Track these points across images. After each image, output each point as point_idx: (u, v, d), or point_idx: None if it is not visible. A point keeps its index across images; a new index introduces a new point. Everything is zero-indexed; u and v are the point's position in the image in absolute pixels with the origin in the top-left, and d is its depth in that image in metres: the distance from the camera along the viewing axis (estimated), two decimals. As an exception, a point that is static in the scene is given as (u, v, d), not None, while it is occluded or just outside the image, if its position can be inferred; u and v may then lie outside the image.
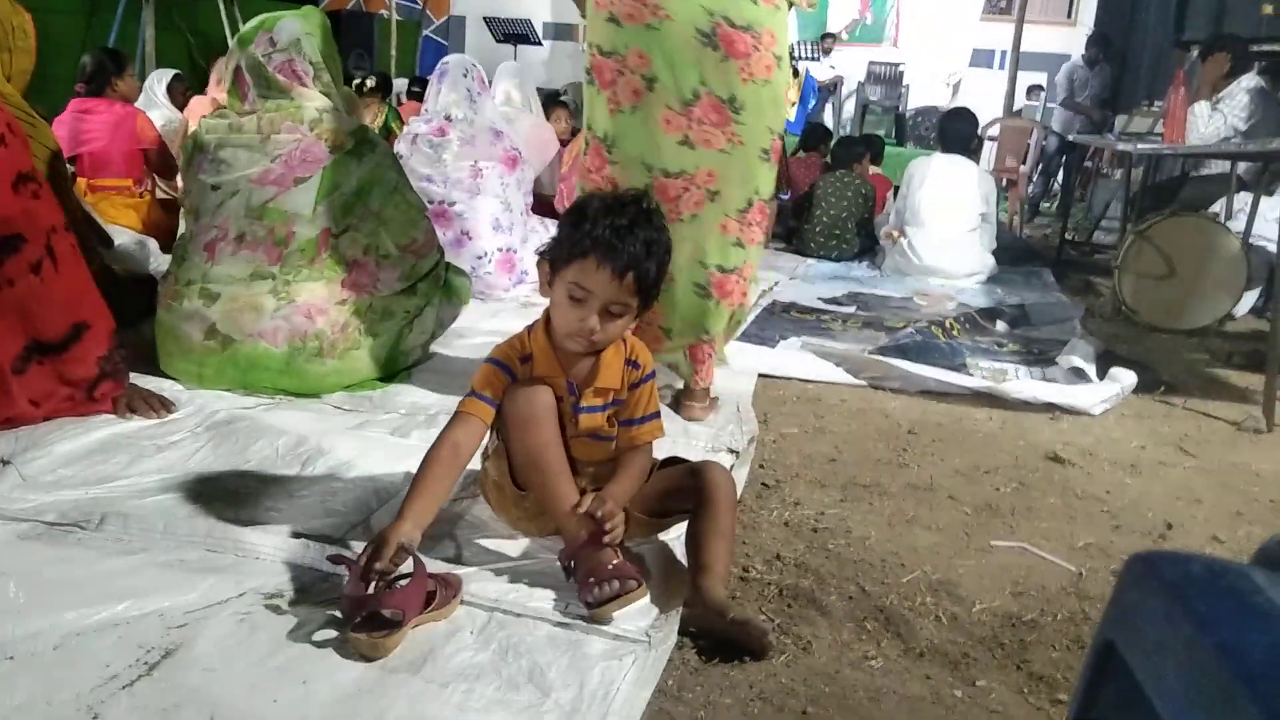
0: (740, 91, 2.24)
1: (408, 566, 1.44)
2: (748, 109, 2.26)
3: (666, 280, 2.30)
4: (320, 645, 1.36)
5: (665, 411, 2.48)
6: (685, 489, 1.65)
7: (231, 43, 2.65)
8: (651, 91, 2.26)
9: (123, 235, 3.71)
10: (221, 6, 6.64)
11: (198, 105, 5.03)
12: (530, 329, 1.66)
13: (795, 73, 7.08)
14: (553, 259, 1.59)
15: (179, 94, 5.57)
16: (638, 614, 1.48)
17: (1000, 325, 4.03)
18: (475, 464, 1.75)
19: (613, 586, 1.46)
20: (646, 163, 2.31)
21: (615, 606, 1.46)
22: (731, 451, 2.28)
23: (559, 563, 1.56)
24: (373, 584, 1.40)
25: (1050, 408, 2.86)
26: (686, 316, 2.46)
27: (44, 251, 2.06)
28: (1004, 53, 9.06)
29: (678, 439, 2.27)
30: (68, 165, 3.30)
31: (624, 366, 1.66)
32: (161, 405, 2.24)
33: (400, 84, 8.74)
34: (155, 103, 5.34)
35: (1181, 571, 0.53)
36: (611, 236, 1.52)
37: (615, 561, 1.50)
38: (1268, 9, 5.53)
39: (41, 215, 2.06)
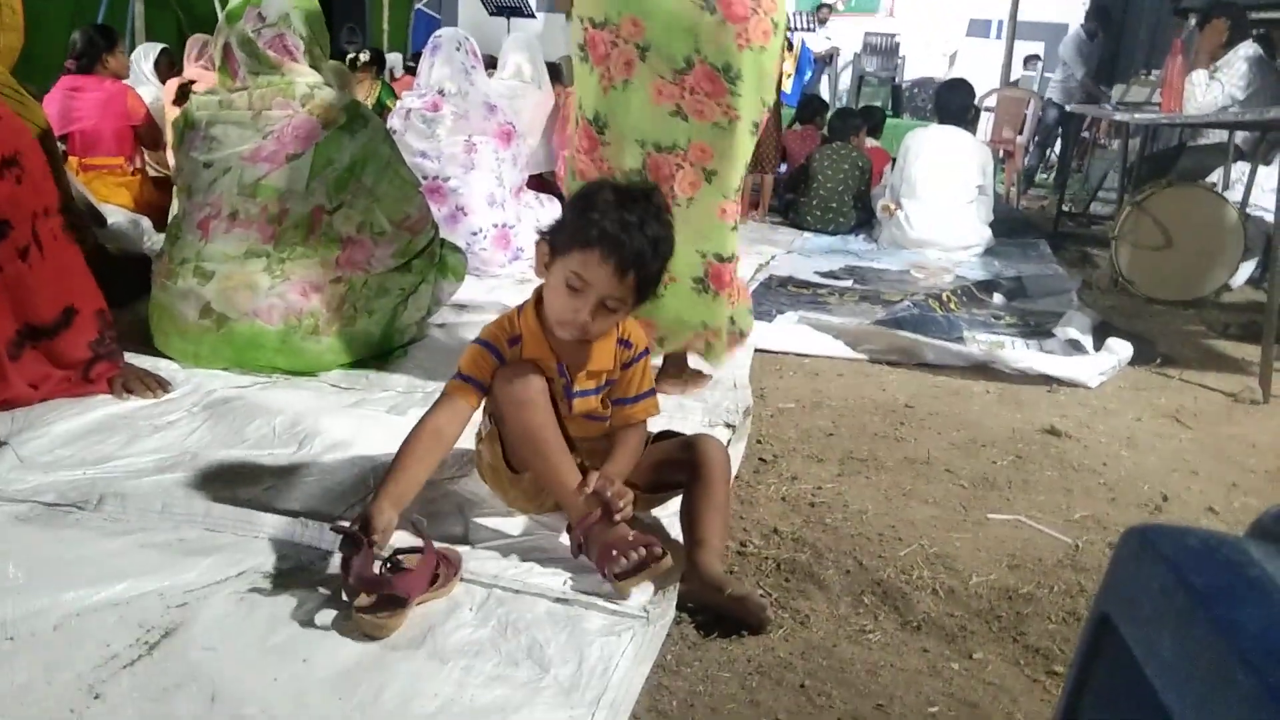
0: (736, 59, 2.18)
1: (400, 543, 1.44)
2: (744, 79, 2.20)
3: (666, 281, 2.29)
4: (320, 623, 1.36)
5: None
6: (679, 462, 1.65)
7: (220, 19, 2.62)
8: (644, 61, 2.20)
9: (116, 214, 3.69)
10: (211, -18, 6.59)
11: (171, 86, 4.96)
12: (520, 309, 1.64)
13: (790, 45, 7.02)
14: (554, 242, 1.54)
15: (164, 69, 5.51)
16: (636, 590, 1.48)
17: (997, 297, 4.03)
18: (470, 442, 1.75)
19: (639, 553, 1.46)
20: (639, 139, 2.25)
21: (643, 576, 1.46)
22: (728, 426, 2.28)
23: (567, 541, 1.56)
24: (378, 564, 1.40)
25: (1047, 380, 2.86)
26: (685, 318, 2.38)
27: (30, 237, 2.05)
28: (1001, 22, 9.00)
29: (674, 414, 2.27)
30: (59, 143, 3.27)
31: (616, 346, 1.65)
32: (158, 385, 2.23)
33: (394, 59, 8.66)
34: (142, 79, 5.28)
35: (1177, 545, 0.53)
36: (620, 231, 1.48)
37: (633, 534, 1.50)
38: (1266, -24, 5.49)
39: (26, 200, 2.04)
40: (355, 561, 1.39)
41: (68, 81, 4.10)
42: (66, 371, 2.15)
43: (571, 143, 2.39)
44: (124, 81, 4.34)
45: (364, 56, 6.82)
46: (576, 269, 1.50)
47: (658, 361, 2.49)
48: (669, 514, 1.72)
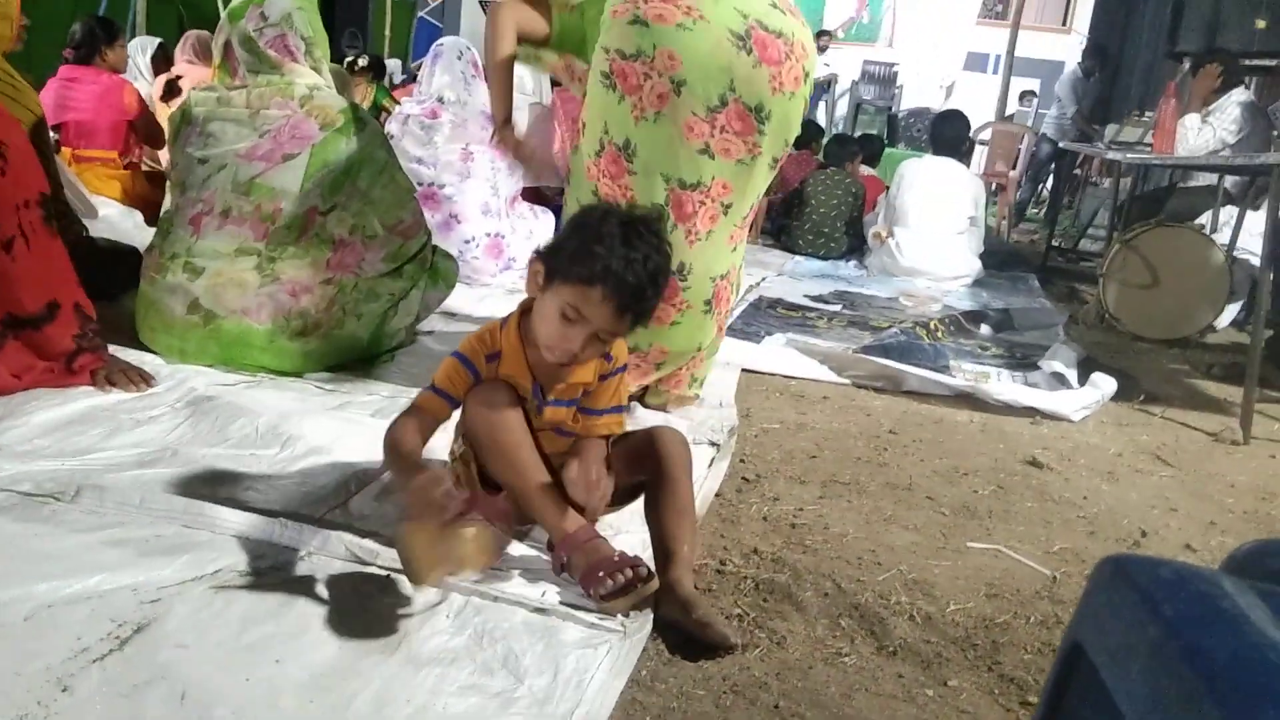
0: (769, 101, 2.18)
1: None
2: (773, 120, 2.21)
3: (680, 309, 2.30)
4: (294, 624, 1.36)
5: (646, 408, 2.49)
6: (639, 457, 1.61)
7: (222, 17, 2.62)
8: (678, 96, 2.17)
9: (108, 206, 3.68)
10: (214, -21, 6.59)
11: (159, 81, 4.95)
12: (503, 323, 1.61)
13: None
14: (552, 266, 1.50)
15: (161, 64, 5.50)
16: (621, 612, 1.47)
17: (984, 329, 4.06)
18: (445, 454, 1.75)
19: (625, 575, 1.44)
20: (664, 173, 2.23)
21: (630, 599, 1.44)
22: (712, 444, 2.29)
23: (549, 561, 1.55)
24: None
25: (1031, 412, 2.88)
26: (694, 341, 2.40)
27: (15, 229, 2.03)
28: (998, 57, 9.08)
29: (659, 430, 2.27)
30: (51, 133, 3.26)
31: (598, 360, 1.62)
32: (141, 379, 2.22)
33: (394, 65, 8.67)
34: (136, 73, 5.25)
35: (1151, 575, 0.54)
36: (624, 270, 1.44)
37: (619, 553, 1.48)
38: (1260, 23, 5.57)
39: (9, 191, 2.03)
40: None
41: (65, 71, 4.09)
42: (49, 363, 2.14)
43: (593, 167, 2.31)
44: (122, 75, 4.34)
45: (362, 61, 6.83)
46: (575, 302, 1.46)
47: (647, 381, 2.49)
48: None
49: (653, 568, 1.50)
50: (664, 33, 2.14)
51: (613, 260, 1.43)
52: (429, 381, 1.63)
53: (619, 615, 1.44)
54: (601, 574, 1.45)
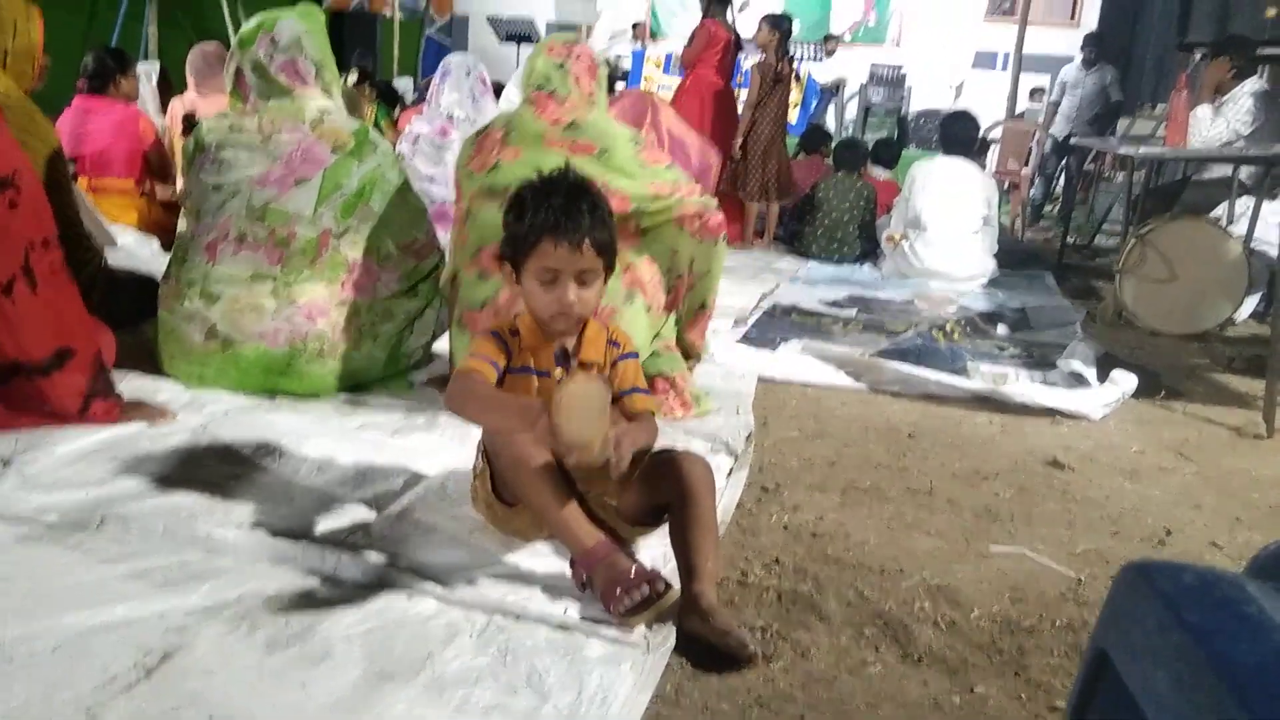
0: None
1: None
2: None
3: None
4: (318, 648, 1.36)
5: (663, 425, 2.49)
6: (661, 479, 1.62)
7: (233, 44, 2.65)
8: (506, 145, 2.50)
9: (125, 235, 3.72)
10: (224, 3, 6.62)
11: (177, 112, 4.95)
12: (515, 314, 1.74)
13: (797, 76, 7.07)
14: (511, 256, 1.66)
15: (163, 87, 5.50)
16: (642, 626, 1.47)
17: (1001, 329, 4.04)
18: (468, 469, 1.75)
19: (642, 591, 1.46)
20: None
21: (650, 613, 1.45)
22: (730, 453, 2.28)
23: (571, 577, 1.56)
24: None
25: (1051, 412, 2.86)
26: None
27: (19, 269, 1.95)
28: (1007, 54, 9.05)
29: (676, 440, 2.27)
30: (69, 164, 3.30)
31: (606, 345, 1.71)
32: (159, 415, 2.22)
33: (405, 84, 8.69)
34: (145, 100, 5.24)
35: (1174, 581, 0.53)
36: (558, 215, 1.59)
37: (636, 567, 1.49)
38: (1271, 12, 5.52)
39: (16, 228, 1.95)
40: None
41: (80, 102, 4.13)
42: (57, 412, 2.06)
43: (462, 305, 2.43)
44: (135, 105, 4.38)
45: (351, 78, 6.76)
46: (539, 264, 1.60)
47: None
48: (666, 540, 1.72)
49: (672, 580, 1.50)
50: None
51: (542, 214, 1.59)
52: (446, 391, 1.65)
53: (640, 629, 1.44)
54: (620, 590, 1.46)
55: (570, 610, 1.50)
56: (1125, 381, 3.05)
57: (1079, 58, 8.14)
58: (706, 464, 1.66)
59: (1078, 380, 3.15)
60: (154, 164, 4.27)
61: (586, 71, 2.55)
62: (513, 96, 4.91)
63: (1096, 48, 8.02)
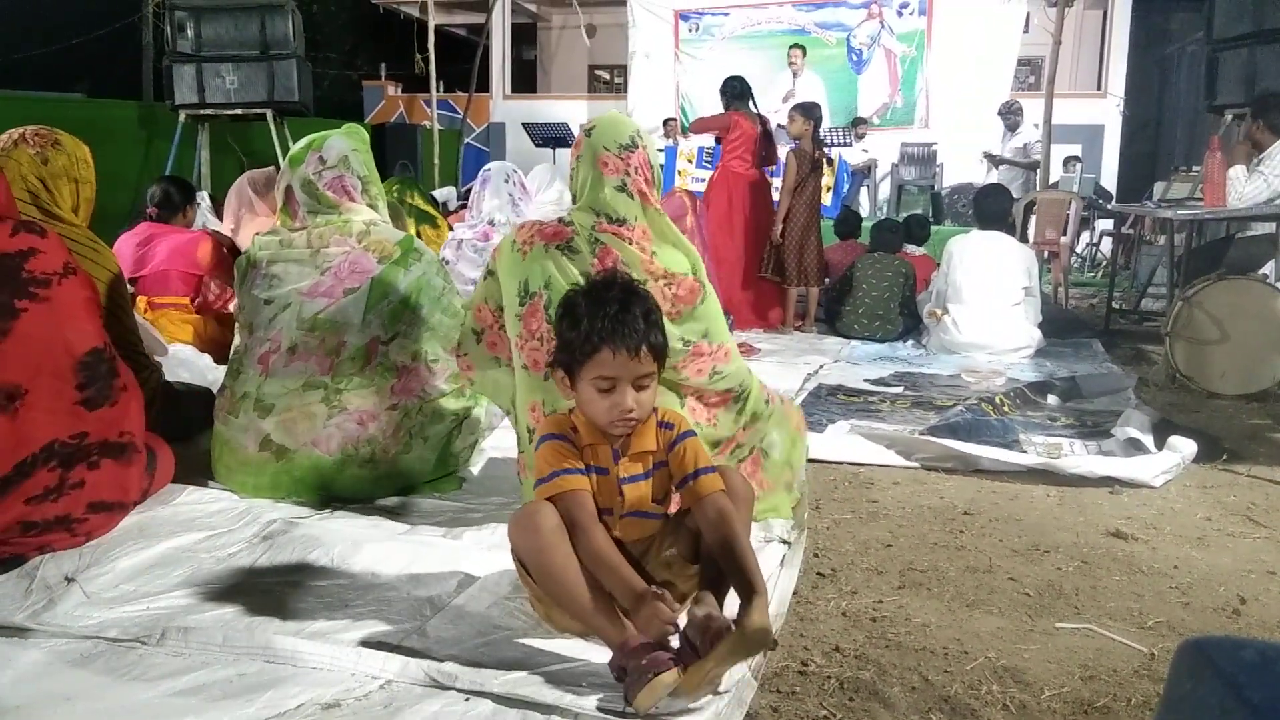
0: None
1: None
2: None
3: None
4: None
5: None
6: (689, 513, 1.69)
7: (283, 164, 2.77)
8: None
9: (182, 350, 3.83)
10: (272, 127, 6.93)
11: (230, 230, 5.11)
12: (570, 411, 1.75)
13: (829, 160, 7.16)
14: (566, 365, 1.67)
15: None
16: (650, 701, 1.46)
17: (1052, 399, 3.97)
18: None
19: (648, 677, 1.45)
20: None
21: (648, 696, 1.44)
22: (783, 541, 2.26)
23: (610, 670, 1.55)
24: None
25: (1109, 481, 2.80)
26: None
27: (31, 381, 1.98)
28: (1036, 125, 9.08)
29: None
30: (129, 284, 3.43)
31: (657, 428, 1.72)
32: None
33: (448, 193, 8.93)
34: (205, 218, 5.45)
35: (1233, 659, 0.52)
36: (613, 324, 1.60)
37: (649, 657, 1.48)
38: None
39: (40, 332, 2.00)
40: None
41: (148, 228, 4.33)
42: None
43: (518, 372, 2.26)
44: (198, 230, 4.57)
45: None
46: (597, 373, 1.62)
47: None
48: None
49: (678, 660, 1.49)
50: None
51: (595, 323, 1.61)
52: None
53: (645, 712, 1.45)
54: (630, 679, 1.47)
55: (599, 701, 1.49)
56: (1184, 447, 2.98)
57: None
58: (744, 478, 1.74)
59: (1135, 447, 3.08)
60: (225, 279, 4.32)
61: (646, 183, 2.22)
62: (563, 194, 4.95)
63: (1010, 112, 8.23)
